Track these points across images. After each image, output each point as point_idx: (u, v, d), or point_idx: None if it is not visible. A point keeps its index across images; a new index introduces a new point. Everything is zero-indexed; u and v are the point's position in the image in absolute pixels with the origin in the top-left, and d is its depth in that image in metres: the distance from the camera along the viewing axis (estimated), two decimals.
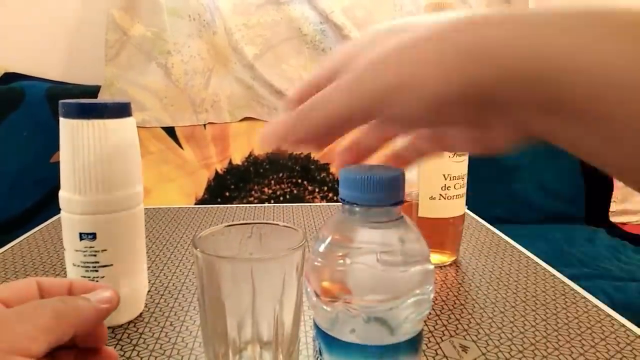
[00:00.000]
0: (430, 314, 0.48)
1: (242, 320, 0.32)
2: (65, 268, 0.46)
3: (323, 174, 1.40)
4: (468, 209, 0.75)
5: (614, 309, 0.49)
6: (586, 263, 1.21)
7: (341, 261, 0.25)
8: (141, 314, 0.48)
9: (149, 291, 0.52)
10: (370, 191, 0.25)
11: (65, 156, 0.42)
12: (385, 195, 0.25)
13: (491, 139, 0.25)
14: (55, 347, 0.27)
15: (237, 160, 1.42)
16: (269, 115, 1.44)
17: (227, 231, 0.36)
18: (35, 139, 1.32)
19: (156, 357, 0.41)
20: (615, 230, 1.44)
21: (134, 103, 0.45)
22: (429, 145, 0.30)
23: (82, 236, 0.43)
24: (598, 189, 1.51)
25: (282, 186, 1.41)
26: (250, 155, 1.42)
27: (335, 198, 1.36)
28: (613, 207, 1.51)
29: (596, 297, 0.52)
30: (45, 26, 1.46)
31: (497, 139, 0.25)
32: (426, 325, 0.46)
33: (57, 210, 0.45)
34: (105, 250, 0.43)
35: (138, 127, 0.45)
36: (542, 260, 0.63)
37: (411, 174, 0.53)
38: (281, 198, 1.40)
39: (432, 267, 0.26)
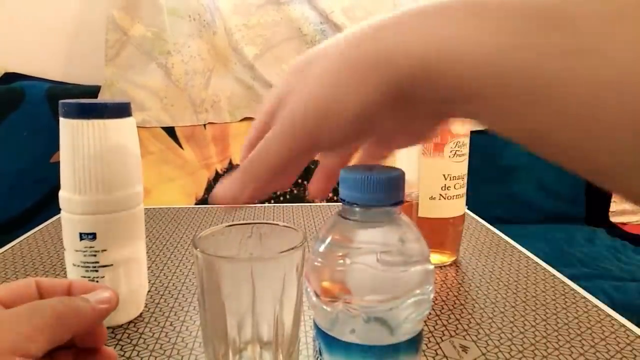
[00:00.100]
0: (430, 314, 0.48)
1: (242, 320, 0.32)
2: (65, 268, 0.45)
3: None
4: (468, 209, 0.75)
5: (614, 309, 0.49)
6: (586, 263, 1.21)
7: (341, 261, 0.25)
8: (141, 314, 0.48)
9: (149, 291, 0.52)
10: (370, 191, 0.25)
11: (65, 156, 0.42)
12: (385, 195, 0.25)
13: (424, 128, 0.27)
14: (55, 347, 0.27)
15: (237, 160, 1.42)
16: None
17: (227, 231, 0.36)
18: (35, 139, 1.32)
19: (156, 357, 0.41)
20: (615, 230, 1.44)
21: (134, 103, 0.45)
22: (379, 150, 0.30)
23: (82, 236, 0.43)
24: (598, 189, 1.51)
25: None
26: None
27: (335, 198, 1.36)
28: (613, 207, 1.52)
29: (596, 297, 0.52)
30: (45, 26, 1.46)
31: (429, 127, 0.27)
32: (426, 325, 0.46)
33: (57, 210, 0.45)
34: (105, 250, 0.43)
35: (138, 127, 0.45)
36: (542, 260, 0.63)
37: (411, 174, 0.53)
38: (281, 198, 1.40)
39: (432, 267, 0.26)
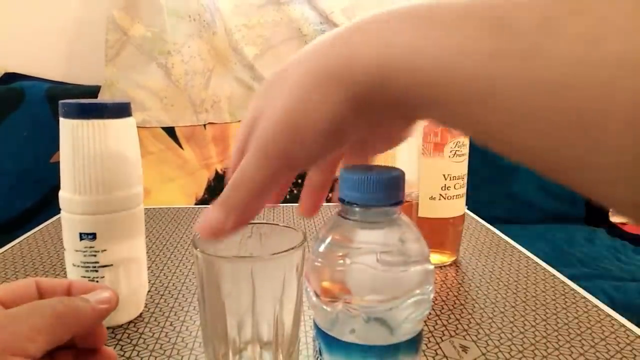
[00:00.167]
0: (430, 314, 0.48)
1: (242, 320, 0.32)
2: (65, 268, 0.46)
3: None
4: (468, 209, 0.75)
5: (614, 309, 0.49)
6: (586, 263, 1.21)
7: (341, 261, 0.25)
8: (141, 314, 0.48)
9: (149, 291, 0.52)
10: (370, 191, 0.25)
11: (65, 156, 0.42)
12: (385, 195, 0.25)
13: (397, 131, 0.28)
14: (55, 348, 0.27)
15: None
16: None
17: None
18: (35, 139, 1.32)
19: (156, 357, 0.41)
20: (615, 230, 1.44)
21: (134, 103, 0.45)
22: (357, 158, 0.30)
23: (82, 236, 0.43)
24: None
25: None
26: None
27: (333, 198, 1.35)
28: None
29: (596, 297, 0.52)
30: (45, 26, 1.46)
31: (401, 130, 0.27)
32: (426, 325, 0.46)
33: (57, 210, 0.45)
34: (105, 250, 0.43)
35: (138, 127, 0.45)
36: (542, 260, 0.63)
37: (411, 174, 0.53)
38: None
39: (432, 267, 0.26)
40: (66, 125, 0.42)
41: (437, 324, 0.47)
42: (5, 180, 1.31)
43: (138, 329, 0.45)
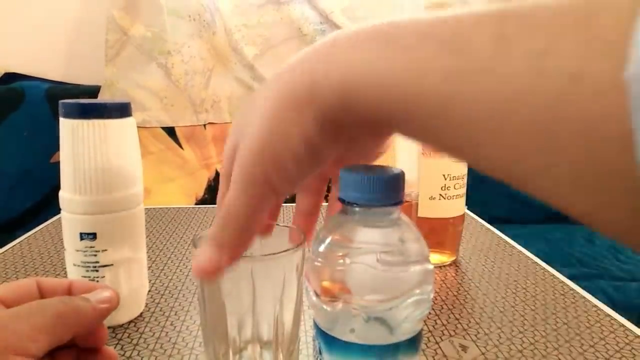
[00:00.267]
0: (430, 313, 0.48)
1: (242, 320, 0.32)
2: (65, 268, 0.46)
3: None
4: (468, 209, 0.75)
5: (613, 309, 0.49)
6: (586, 263, 1.21)
7: (341, 261, 0.25)
8: (142, 313, 0.48)
9: (149, 291, 0.52)
10: (370, 191, 0.25)
11: (65, 156, 0.42)
12: (385, 195, 0.25)
13: (372, 146, 0.28)
14: (56, 347, 0.27)
15: None
16: None
17: None
18: (35, 139, 1.32)
19: (157, 357, 0.41)
20: None
21: (134, 103, 0.45)
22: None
23: (82, 236, 0.43)
24: None
25: None
26: None
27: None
28: None
29: (596, 297, 0.52)
30: (45, 26, 1.46)
31: (376, 144, 0.28)
32: (426, 325, 0.46)
33: (57, 210, 0.46)
34: (105, 250, 0.43)
35: (138, 127, 0.45)
36: (542, 260, 0.63)
37: (411, 174, 0.53)
38: None
39: (431, 267, 0.26)
40: (66, 125, 0.42)
41: (436, 323, 0.47)
42: (6, 180, 1.31)
43: (138, 328, 0.45)
